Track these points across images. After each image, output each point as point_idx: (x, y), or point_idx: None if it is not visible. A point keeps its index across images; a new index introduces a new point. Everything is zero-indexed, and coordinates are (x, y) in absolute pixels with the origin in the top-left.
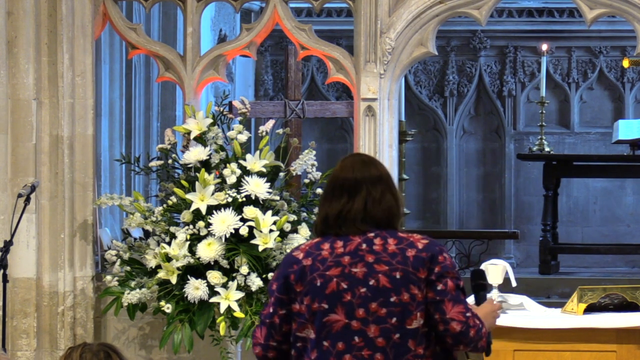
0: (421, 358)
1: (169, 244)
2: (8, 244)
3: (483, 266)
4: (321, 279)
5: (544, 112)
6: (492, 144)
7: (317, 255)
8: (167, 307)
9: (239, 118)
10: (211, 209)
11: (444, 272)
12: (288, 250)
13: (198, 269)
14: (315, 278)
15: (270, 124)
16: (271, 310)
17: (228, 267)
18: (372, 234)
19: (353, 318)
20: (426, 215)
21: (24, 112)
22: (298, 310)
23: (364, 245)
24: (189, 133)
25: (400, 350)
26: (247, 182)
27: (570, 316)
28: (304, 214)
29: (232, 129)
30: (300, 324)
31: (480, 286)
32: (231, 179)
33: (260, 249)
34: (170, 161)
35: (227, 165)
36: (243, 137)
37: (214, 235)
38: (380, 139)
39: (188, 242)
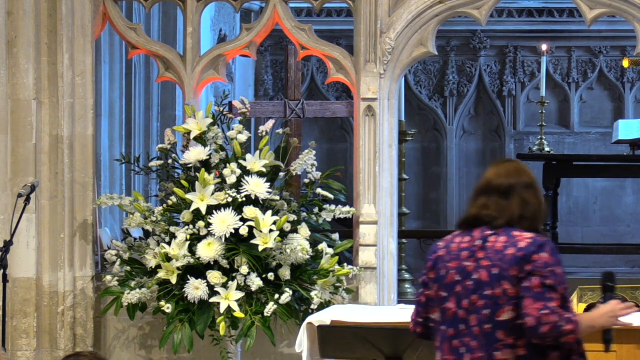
0: (511, 347)
1: (169, 244)
2: (8, 244)
3: None
4: (444, 269)
5: (544, 112)
6: (492, 144)
7: (448, 246)
8: (167, 307)
9: (239, 118)
10: (211, 209)
11: (533, 270)
12: (288, 251)
13: (198, 269)
14: (441, 268)
15: (270, 124)
16: (420, 290)
17: (228, 267)
18: (489, 232)
19: (460, 307)
20: (426, 215)
21: (24, 112)
22: (430, 295)
23: (479, 242)
24: (189, 133)
25: (490, 339)
26: (247, 182)
27: None
28: (304, 214)
29: (232, 129)
30: (432, 307)
31: (607, 288)
32: (231, 179)
33: (260, 249)
34: (170, 161)
35: (227, 165)
36: (243, 137)
37: (214, 235)
38: (380, 139)
39: (188, 242)
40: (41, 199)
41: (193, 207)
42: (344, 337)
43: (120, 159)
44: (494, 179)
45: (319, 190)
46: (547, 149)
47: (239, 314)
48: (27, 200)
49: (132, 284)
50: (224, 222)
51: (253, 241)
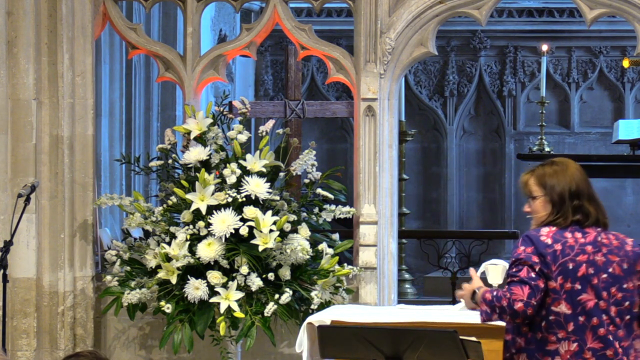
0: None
1: (169, 244)
2: (8, 244)
3: (483, 266)
4: (572, 263)
5: (544, 112)
6: (492, 144)
7: (564, 242)
8: (167, 307)
9: (239, 118)
10: (211, 209)
11: None
12: (288, 251)
13: (198, 269)
14: (567, 262)
15: (270, 124)
16: (533, 275)
17: (228, 267)
18: (599, 229)
19: (600, 298)
20: (426, 215)
21: (24, 112)
22: (554, 287)
23: (599, 238)
24: (189, 133)
25: (630, 330)
26: (247, 182)
27: None
28: (304, 214)
29: (232, 129)
30: (555, 300)
31: None
32: (231, 179)
33: (260, 249)
34: (170, 161)
35: (227, 165)
36: (243, 137)
37: (214, 235)
38: (380, 139)
39: (188, 242)
40: (41, 199)
41: (193, 207)
42: (344, 337)
43: (120, 159)
44: (583, 184)
45: (319, 190)
46: (547, 149)
47: (239, 314)
48: (27, 200)
49: (132, 284)
50: (224, 222)
51: (253, 241)
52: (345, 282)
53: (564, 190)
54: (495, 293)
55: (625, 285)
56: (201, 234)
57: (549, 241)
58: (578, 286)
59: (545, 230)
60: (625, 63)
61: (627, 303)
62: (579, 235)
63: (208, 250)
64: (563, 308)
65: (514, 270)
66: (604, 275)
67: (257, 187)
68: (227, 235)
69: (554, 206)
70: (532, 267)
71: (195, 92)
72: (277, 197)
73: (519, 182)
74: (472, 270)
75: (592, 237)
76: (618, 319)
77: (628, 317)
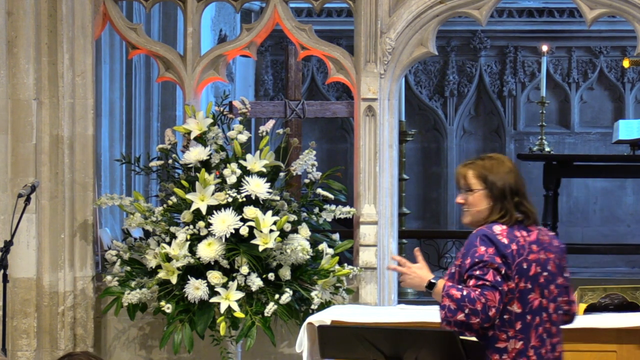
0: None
1: (169, 244)
2: (8, 244)
3: None
4: (526, 263)
5: (544, 112)
6: (492, 144)
7: (517, 241)
8: (167, 307)
9: (239, 118)
10: (211, 209)
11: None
12: (288, 251)
13: (198, 269)
14: (522, 262)
15: (270, 124)
16: (499, 279)
17: (228, 267)
18: (538, 227)
19: (543, 297)
20: (426, 215)
21: (24, 112)
22: (511, 288)
23: (540, 236)
24: (189, 133)
25: (559, 326)
26: (247, 182)
27: None
28: (304, 214)
29: (232, 129)
30: (511, 299)
31: None
32: (231, 179)
33: (261, 249)
34: (170, 161)
35: (227, 165)
36: (243, 137)
37: (214, 235)
38: (380, 139)
39: (188, 242)
40: (41, 199)
41: (193, 207)
42: (344, 337)
43: (120, 159)
44: (520, 181)
45: (319, 190)
46: (547, 149)
47: (239, 314)
48: (27, 200)
49: (132, 284)
50: (224, 222)
51: (253, 241)
52: (346, 282)
53: (504, 186)
54: (464, 292)
55: (558, 282)
56: (201, 234)
57: (506, 241)
58: (529, 285)
59: (497, 228)
60: (625, 63)
61: (559, 299)
62: (525, 234)
63: (208, 250)
64: (515, 307)
65: (479, 272)
66: (545, 273)
67: (257, 187)
68: (227, 235)
69: (495, 202)
70: (497, 270)
71: (196, 92)
72: (277, 197)
73: (455, 174)
74: (417, 250)
75: (535, 235)
76: (554, 315)
77: (560, 312)
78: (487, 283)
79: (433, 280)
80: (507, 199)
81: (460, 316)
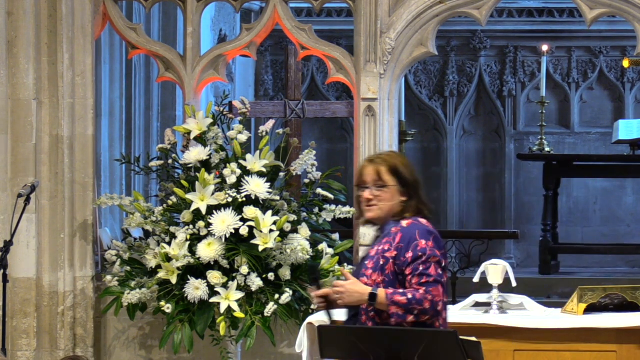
0: None
1: (169, 244)
2: (8, 244)
3: (483, 266)
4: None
5: (544, 112)
6: (492, 144)
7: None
8: (167, 307)
9: (239, 118)
10: (211, 209)
11: None
12: (288, 251)
13: (198, 269)
14: (446, 253)
15: (270, 124)
16: (440, 271)
17: (228, 267)
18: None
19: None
20: None
21: (24, 112)
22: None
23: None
24: (189, 133)
25: None
26: (247, 182)
27: (570, 316)
28: (304, 214)
29: (232, 129)
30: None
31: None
32: (231, 179)
33: (260, 249)
34: (170, 161)
35: (227, 165)
36: (243, 137)
37: (214, 235)
38: (380, 139)
39: (188, 242)
40: (41, 199)
41: (193, 207)
42: (344, 337)
43: (120, 159)
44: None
45: (319, 190)
46: (547, 149)
47: (239, 314)
48: (27, 200)
49: (132, 284)
50: (224, 222)
51: (253, 241)
52: None
53: (415, 181)
54: (409, 296)
55: None
56: (201, 234)
57: (437, 233)
58: (446, 276)
59: (425, 221)
60: (625, 63)
61: None
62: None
63: (208, 250)
64: (445, 298)
65: (422, 267)
66: None
67: (257, 187)
68: (227, 235)
69: (409, 197)
70: (439, 263)
71: (195, 92)
72: (277, 197)
73: (361, 169)
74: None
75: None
76: None
77: None
78: (431, 279)
79: (374, 292)
80: (418, 193)
81: (410, 318)
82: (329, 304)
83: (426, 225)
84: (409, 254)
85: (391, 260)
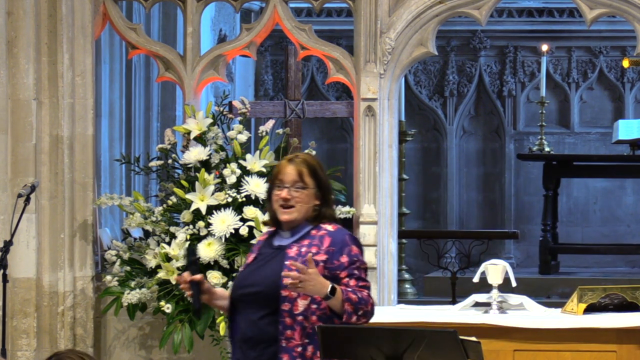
0: None
1: (169, 244)
2: (8, 244)
3: (483, 266)
4: None
5: (544, 112)
6: (492, 144)
7: None
8: (167, 307)
9: (239, 118)
10: (211, 209)
11: None
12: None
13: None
14: None
15: (270, 124)
16: (367, 277)
17: (228, 267)
18: None
19: None
20: (426, 215)
21: (24, 112)
22: None
23: None
24: (189, 133)
25: None
26: (247, 182)
27: (570, 316)
28: None
29: (232, 129)
30: None
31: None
32: (231, 179)
33: None
34: (170, 161)
35: (227, 165)
36: (243, 137)
37: (214, 235)
38: (380, 139)
39: (188, 242)
40: (41, 199)
41: (193, 207)
42: (344, 337)
43: (120, 159)
44: None
45: None
46: (547, 149)
47: None
48: (27, 200)
49: (132, 284)
50: (224, 222)
51: (253, 241)
52: None
53: (328, 186)
54: (359, 295)
55: None
56: (201, 234)
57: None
58: None
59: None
60: (625, 63)
61: None
62: None
63: (208, 250)
64: None
65: (357, 272)
66: None
67: (257, 187)
68: (227, 235)
69: (323, 202)
70: (365, 269)
71: (195, 92)
72: None
73: (281, 168)
74: (310, 256)
75: None
76: None
77: None
78: (367, 283)
79: (334, 286)
80: (330, 198)
81: (354, 319)
82: (197, 292)
83: (348, 231)
84: (344, 258)
85: (321, 264)
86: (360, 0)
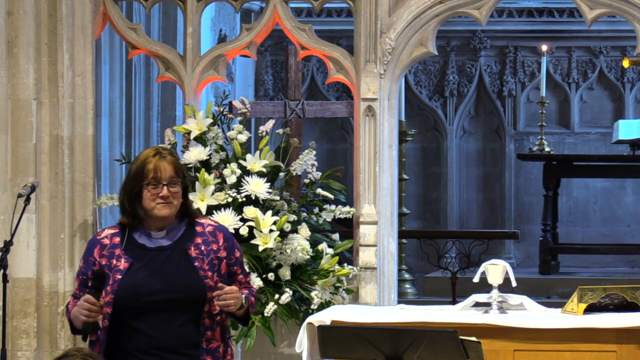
0: None
1: None
2: (8, 244)
3: (483, 266)
4: None
5: (544, 112)
6: (492, 144)
7: None
8: None
9: (239, 118)
10: (211, 209)
11: None
12: (288, 251)
13: None
14: None
15: (270, 124)
16: None
17: None
18: None
19: None
20: (426, 215)
21: (24, 112)
22: None
23: None
24: (189, 133)
25: None
26: (247, 182)
27: (570, 316)
28: (304, 214)
29: (232, 129)
30: None
31: (93, 286)
32: (231, 179)
33: (260, 249)
34: None
35: (227, 165)
36: (243, 137)
37: None
38: (380, 139)
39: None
40: (41, 199)
41: None
42: (344, 337)
43: (120, 159)
44: None
45: (319, 190)
46: (547, 149)
47: None
48: (27, 200)
49: None
50: (224, 222)
51: (253, 241)
52: (345, 282)
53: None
54: (253, 294)
55: None
56: None
57: None
58: None
59: None
60: (625, 63)
61: None
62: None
63: None
64: None
65: (246, 267)
66: None
67: (257, 187)
68: None
69: (185, 196)
70: None
71: (195, 92)
72: (277, 197)
73: (154, 165)
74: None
75: None
76: None
77: None
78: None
79: (243, 295)
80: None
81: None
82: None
83: None
84: (238, 253)
85: (224, 261)
86: (360, 0)
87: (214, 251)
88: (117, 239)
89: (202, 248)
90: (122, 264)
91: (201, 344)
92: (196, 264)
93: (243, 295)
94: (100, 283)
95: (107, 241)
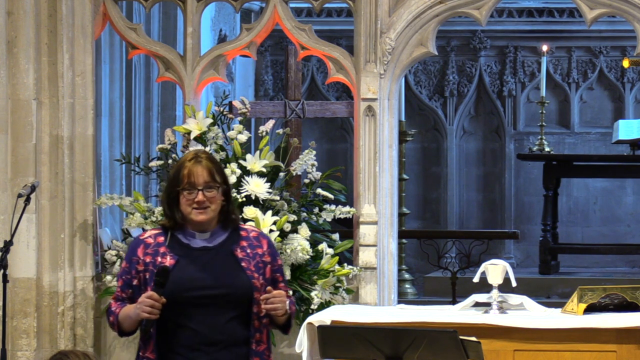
0: None
1: None
2: (8, 244)
3: (483, 266)
4: None
5: (544, 112)
6: (492, 144)
7: None
8: None
9: (239, 118)
10: None
11: None
12: (288, 251)
13: None
14: None
15: (270, 124)
16: None
17: None
18: None
19: None
20: (426, 215)
21: (24, 112)
22: None
23: None
24: (189, 133)
25: None
26: (247, 182)
27: (570, 316)
28: (304, 214)
29: (232, 129)
30: None
31: (156, 282)
32: (231, 179)
33: None
34: (170, 161)
35: (227, 165)
36: (243, 137)
37: None
38: (380, 139)
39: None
40: (41, 199)
41: None
42: (344, 337)
43: (120, 159)
44: None
45: (319, 190)
46: (547, 149)
47: None
48: (27, 200)
49: None
50: None
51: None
52: (345, 282)
53: (230, 185)
54: (293, 304)
55: None
56: None
57: None
58: None
59: None
60: (625, 63)
61: None
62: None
63: None
64: None
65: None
66: None
67: (257, 187)
68: None
69: (227, 201)
70: None
71: (195, 92)
72: (277, 197)
73: (189, 170)
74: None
75: None
76: None
77: None
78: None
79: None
80: (231, 195)
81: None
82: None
83: None
84: (280, 261)
85: (269, 266)
86: (360, 0)
87: (259, 255)
88: (161, 238)
89: (248, 251)
90: (168, 260)
91: (251, 345)
92: (243, 264)
93: (288, 301)
94: (164, 278)
95: (151, 240)
